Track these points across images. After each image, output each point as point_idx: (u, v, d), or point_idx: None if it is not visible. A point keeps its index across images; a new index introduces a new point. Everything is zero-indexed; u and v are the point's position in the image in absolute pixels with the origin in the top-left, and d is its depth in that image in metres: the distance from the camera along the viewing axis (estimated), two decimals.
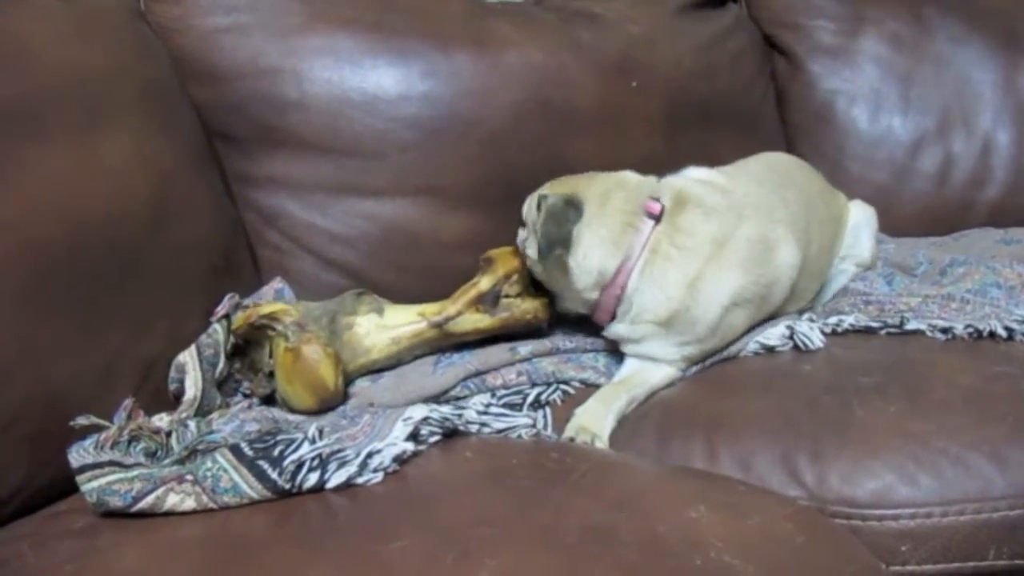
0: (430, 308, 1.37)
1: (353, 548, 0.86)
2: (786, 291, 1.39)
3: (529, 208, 1.43)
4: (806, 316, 1.41)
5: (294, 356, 1.23)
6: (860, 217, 1.61)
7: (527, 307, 1.40)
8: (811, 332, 1.34)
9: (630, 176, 1.41)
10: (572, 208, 1.32)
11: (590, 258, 1.32)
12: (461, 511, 0.92)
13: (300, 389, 1.24)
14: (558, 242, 1.30)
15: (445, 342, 1.39)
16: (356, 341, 1.33)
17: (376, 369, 1.36)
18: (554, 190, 1.39)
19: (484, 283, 1.38)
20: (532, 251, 1.37)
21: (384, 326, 1.35)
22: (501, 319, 1.38)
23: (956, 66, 1.96)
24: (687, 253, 1.30)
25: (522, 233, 1.45)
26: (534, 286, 1.44)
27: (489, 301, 1.38)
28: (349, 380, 1.32)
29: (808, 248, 1.42)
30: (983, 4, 2.02)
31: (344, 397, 1.28)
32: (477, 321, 1.38)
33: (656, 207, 1.33)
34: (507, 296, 1.39)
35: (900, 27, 1.99)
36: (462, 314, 1.37)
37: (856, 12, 2.01)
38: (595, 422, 1.22)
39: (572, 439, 1.20)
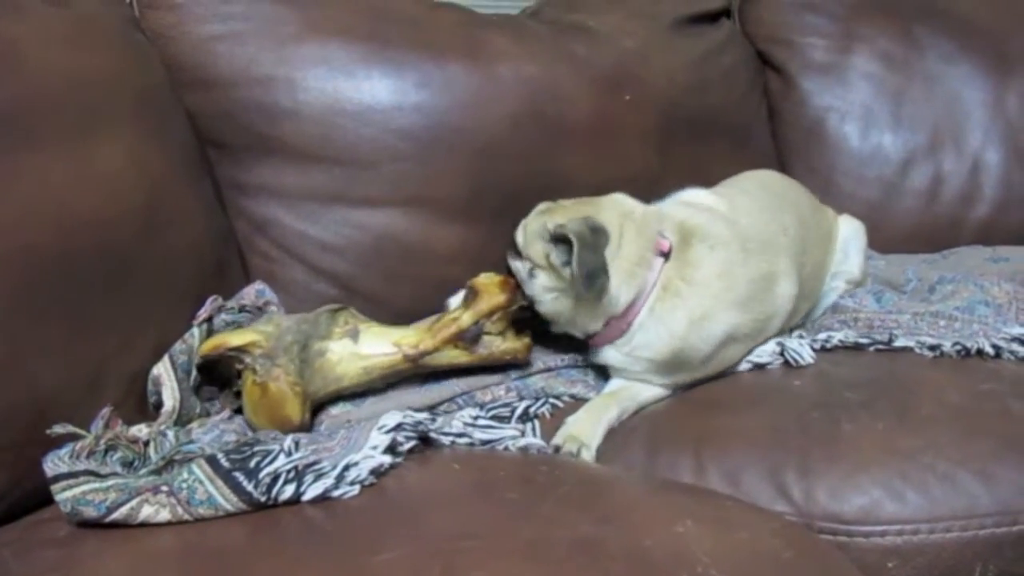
0: (407, 338, 1.29)
1: (338, 560, 0.85)
2: (783, 322, 1.40)
3: (528, 239, 1.35)
4: (796, 333, 1.42)
5: (261, 391, 1.20)
6: (848, 232, 1.61)
7: (507, 347, 1.34)
8: (801, 348, 1.35)
9: (628, 203, 1.37)
10: (600, 234, 1.27)
11: (610, 287, 1.27)
12: (447, 523, 0.91)
13: (265, 422, 1.20)
14: (599, 270, 1.24)
15: (419, 371, 1.33)
16: (327, 369, 1.25)
17: (347, 394, 1.30)
18: (556, 217, 1.31)
19: (466, 319, 1.30)
20: (542, 280, 1.32)
21: (358, 355, 1.27)
22: (480, 356, 1.32)
23: (946, 85, 1.98)
24: (696, 288, 1.29)
25: (519, 265, 1.37)
26: (523, 320, 1.38)
27: (469, 338, 1.30)
28: (319, 405, 1.28)
29: (802, 271, 1.42)
30: (973, 24, 2.03)
31: (311, 427, 1.25)
32: (455, 357, 1.31)
33: (666, 244, 1.31)
34: (488, 333, 1.32)
35: (891, 45, 2.00)
36: (439, 351, 1.30)
37: (848, 30, 2.02)
38: (585, 431, 1.22)
39: (559, 447, 1.20)
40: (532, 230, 1.34)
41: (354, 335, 1.28)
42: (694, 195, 1.46)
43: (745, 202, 1.45)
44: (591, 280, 1.24)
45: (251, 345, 1.21)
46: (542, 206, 1.39)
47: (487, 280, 1.35)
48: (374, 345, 1.28)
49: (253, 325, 1.27)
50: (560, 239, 1.27)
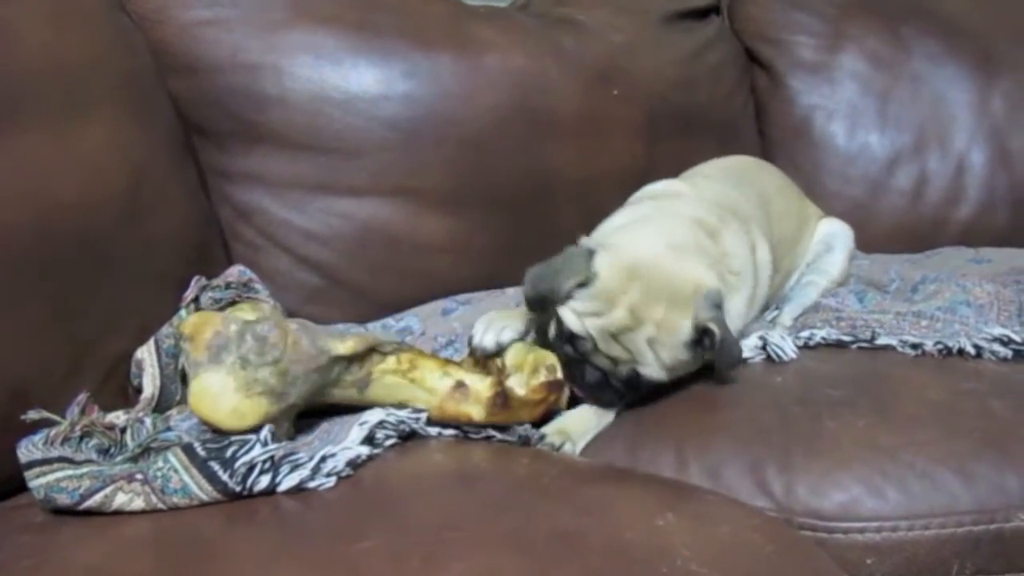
0: (417, 402, 1.11)
1: (315, 549, 0.85)
2: (766, 291, 1.41)
3: (673, 353, 1.20)
4: (777, 327, 1.42)
5: None
6: (832, 231, 1.62)
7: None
8: (783, 342, 1.35)
9: (695, 240, 1.28)
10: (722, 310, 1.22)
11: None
12: (428, 514, 0.91)
13: None
14: (739, 354, 1.24)
15: None
16: (325, 400, 1.10)
17: None
18: (687, 314, 1.19)
19: (479, 420, 1.12)
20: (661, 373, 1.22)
21: (360, 402, 1.12)
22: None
23: (933, 85, 1.99)
24: (742, 278, 1.31)
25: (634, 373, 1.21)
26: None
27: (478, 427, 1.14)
28: None
29: (771, 239, 1.44)
30: (960, 26, 2.04)
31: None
32: None
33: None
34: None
35: (879, 45, 2.01)
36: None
37: (836, 29, 2.03)
38: (576, 428, 1.21)
39: (543, 436, 1.18)
40: (669, 356, 1.20)
41: (362, 387, 1.11)
42: (663, 186, 1.47)
43: (705, 183, 1.48)
44: (736, 360, 1.22)
45: (250, 427, 1.02)
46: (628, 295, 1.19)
47: (525, 395, 1.14)
48: (378, 395, 1.12)
49: (254, 366, 1.02)
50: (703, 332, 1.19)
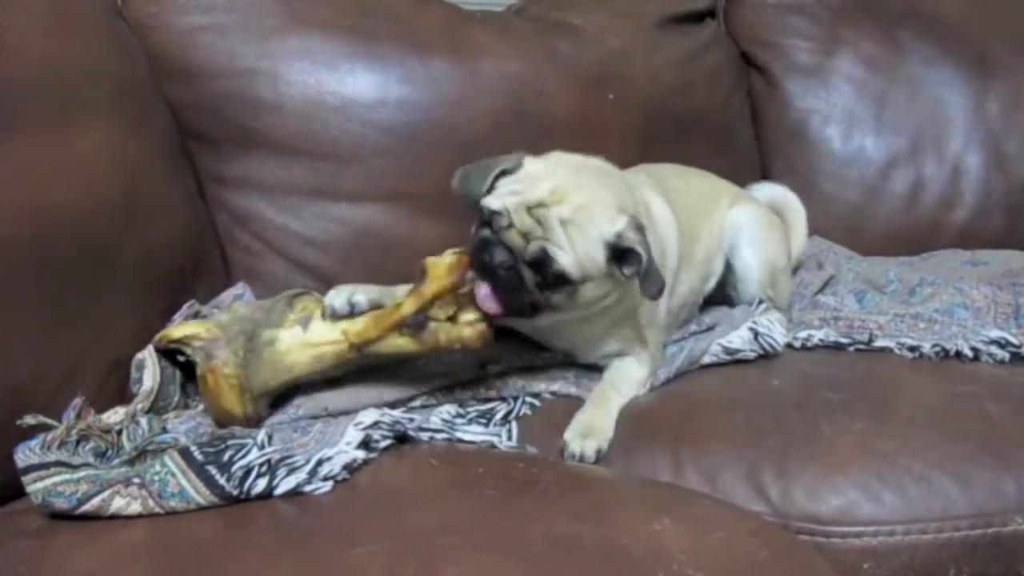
0: (355, 325, 1.20)
1: (312, 554, 0.85)
2: (676, 250, 1.40)
3: (583, 258, 1.18)
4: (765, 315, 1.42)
5: (203, 383, 1.18)
6: (735, 224, 1.54)
7: (456, 335, 1.21)
8: (773, 327, 1.35)
9: (613, 171, 1.34)
10: (645, 232, 1.22)
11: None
12: (425, 519, 0.91)
13: (213, 414, 1.18)
14: (661, 278, 1.22)
15: (369, 362, 1.25)
16: (277, 359, 1.19)
17: (303, 383, 1.24)
18: (597, 218, 1.19)
19: (407, 307, 1.19)
20: (588, 291, 1.21)
21: (307, 343, 1.19)
22: (427, 345, 1.20)
23: (928, 89, 1.99)
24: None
25: (553, 295, 1.20)
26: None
27: (413, 326, 1.19)
28: (274, 395, 1.23)
29: (673, 204, 1.42)
30: (956, 29, 2.05)
31: (259, 420, 1.20)
32: (401, 346, 1.20)
33: None
34: (435, 319, 1.19)
35: (875, 49, 2.02)
36: (383, 339, 1.20)
37: (832, 33, 2.03)
38: (601, 422, 1.22)
39: (565, 443, 1.17)
40: (583, 247, 1.18)
41: (305, 323, 1.21)
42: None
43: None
44: (659, 289, 1.20)
45: (189, 338, 1.18)
46: (528, 208, 1.19)
47: (437, 260, 1.21)
48: (322, 332, 1.20)
49: (216, 314, 1.24)
50: (624, 250, 1.19)
